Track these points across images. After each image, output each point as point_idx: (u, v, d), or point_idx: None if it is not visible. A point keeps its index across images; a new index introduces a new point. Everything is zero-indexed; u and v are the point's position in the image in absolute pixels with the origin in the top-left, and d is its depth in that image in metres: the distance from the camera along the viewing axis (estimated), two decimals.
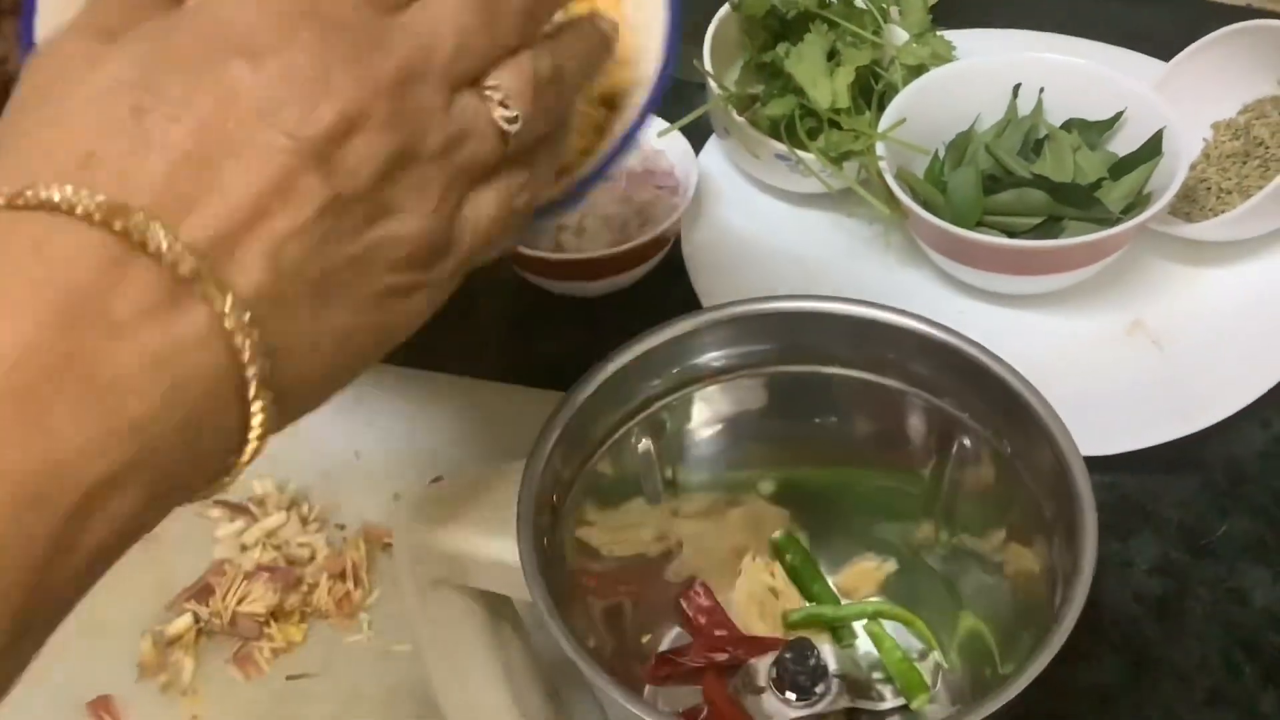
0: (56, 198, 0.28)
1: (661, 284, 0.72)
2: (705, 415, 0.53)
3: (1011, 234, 0.70)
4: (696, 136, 0.75)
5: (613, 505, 0.52)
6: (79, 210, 0.28)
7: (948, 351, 0.49)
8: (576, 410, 0.48)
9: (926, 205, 0.69)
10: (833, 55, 0.74)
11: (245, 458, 0.31)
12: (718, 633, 0.54)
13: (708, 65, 0.74)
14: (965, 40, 0.78)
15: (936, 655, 0.54)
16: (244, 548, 0.64)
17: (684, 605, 0.55)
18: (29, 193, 0.28)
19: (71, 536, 0.28)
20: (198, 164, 0.29)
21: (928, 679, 0.53)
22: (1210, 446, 0.65)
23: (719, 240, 0.75)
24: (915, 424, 0.51)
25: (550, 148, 0.37)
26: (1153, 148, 0.70)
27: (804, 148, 0.72)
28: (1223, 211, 0.70)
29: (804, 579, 0.55)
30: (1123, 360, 0.69)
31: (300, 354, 0.31)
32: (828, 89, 0.72)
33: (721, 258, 0.74)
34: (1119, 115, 0.72)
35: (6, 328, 0.27)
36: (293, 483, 0.66)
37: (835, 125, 0.72)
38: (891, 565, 0.55)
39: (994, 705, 0.40)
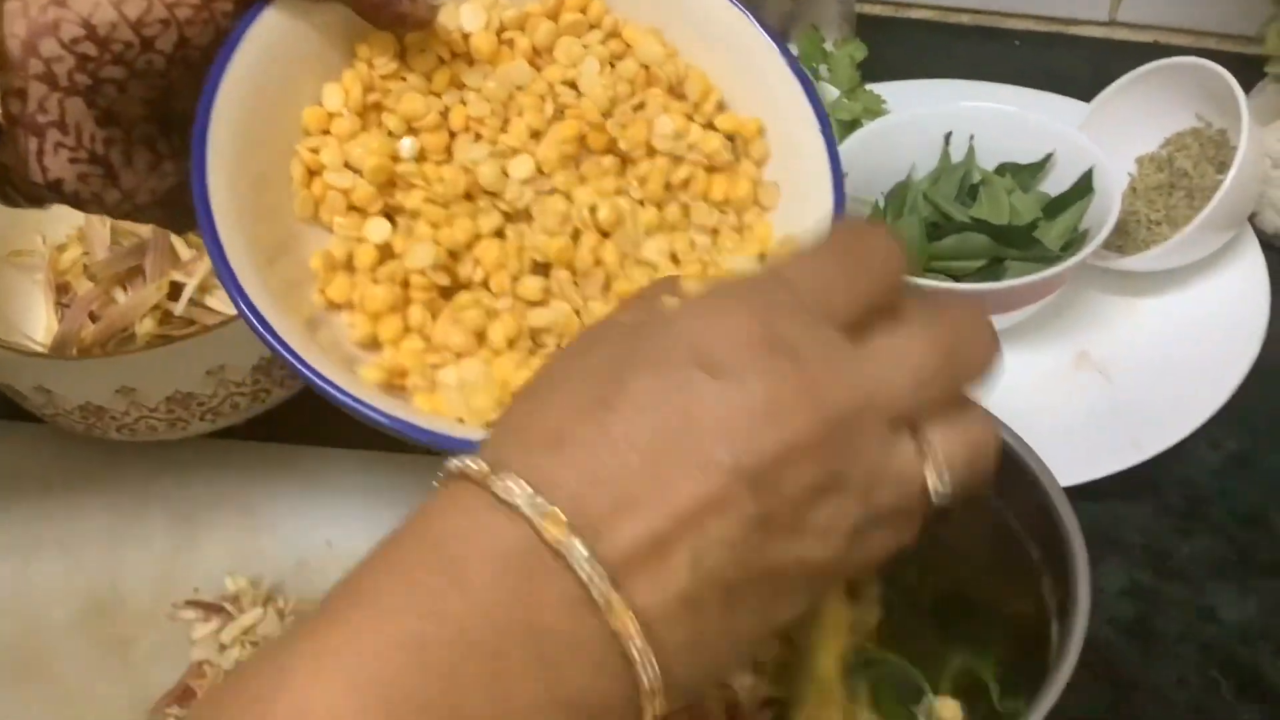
0: (503, 496, 0.31)
1: None
2: None
3: (957, 277, 0.72)
4: None
5: None
6: (519, 507, 0.31)
7: None
8: None
9: None
10: None
11: None
12: None
13: None
14: (893, 92, 0.80)
15: (930, 697, 0.54)
16: (222, 647, 0.63)
17: None
18: (468, 469, 0.32)
19: None
20: (649, 463, 0.31)
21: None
22: (1165, 470, 0.67)
23: None
24: None
25: None
26: (1084, 186, 0.72)
27: None
28: (1154, 243, 0.73)
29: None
30: (1073, 392, 0.71)
31: (699, 652, 0.32)
32: None
33: None
34: (1048, 157, 0.74)
35: (462, 590, 0.30)
36: (267, 578, 0.66)
37: None
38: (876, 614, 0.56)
39: None
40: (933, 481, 0.34)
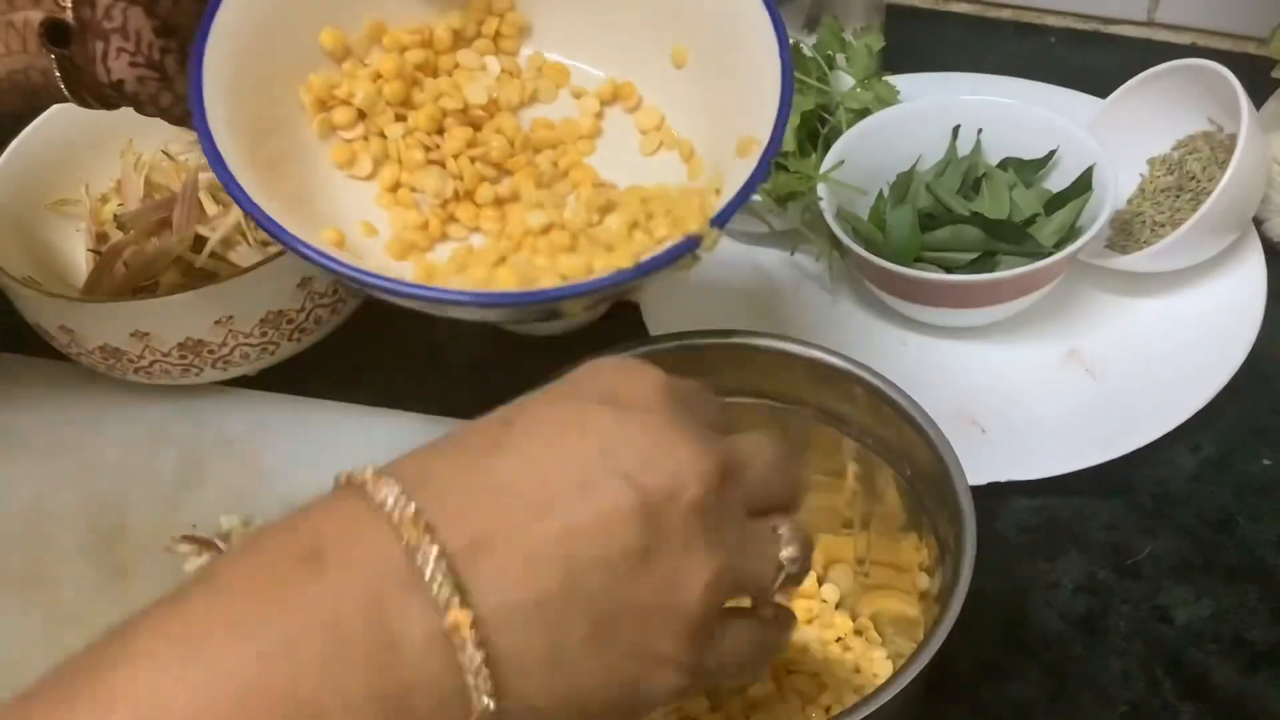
0: (375, 497, 0.32)
1: (617, 321, 0.75)
2: None
3: (949, 269, 0.72)
4: None
5: None
6: (390, 513, 0.32)
7: (850, 380, 0.52)
8: None
9: (867, 244, 0.72)
10: None
11: None
12: None
13: None
14: (911, 84, 0.81)
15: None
16: None
17: None
18: (355, 474, 0.33)
19: None
20: (538, 472, 0.33)
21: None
22: (1140, 470, 0.67)
23: (672, 280, 0.77)
24: (827, 451, 0.54)
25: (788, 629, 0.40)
26: (1083, 184, 0.72)
27: None
28: (1154, 244, 0.73)
29: None
30: (1057, 388, 0.71)
31: (558, 675, 0.32)
32: None
33: (675, 297, 0.76)
34: (1052, 154, 0.75)
35: (313, 579, 0.31)
36: (258, 519, 0.69)
37: (782, 168, 0.75)
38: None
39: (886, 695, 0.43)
40: (787, 556, 0.36)
